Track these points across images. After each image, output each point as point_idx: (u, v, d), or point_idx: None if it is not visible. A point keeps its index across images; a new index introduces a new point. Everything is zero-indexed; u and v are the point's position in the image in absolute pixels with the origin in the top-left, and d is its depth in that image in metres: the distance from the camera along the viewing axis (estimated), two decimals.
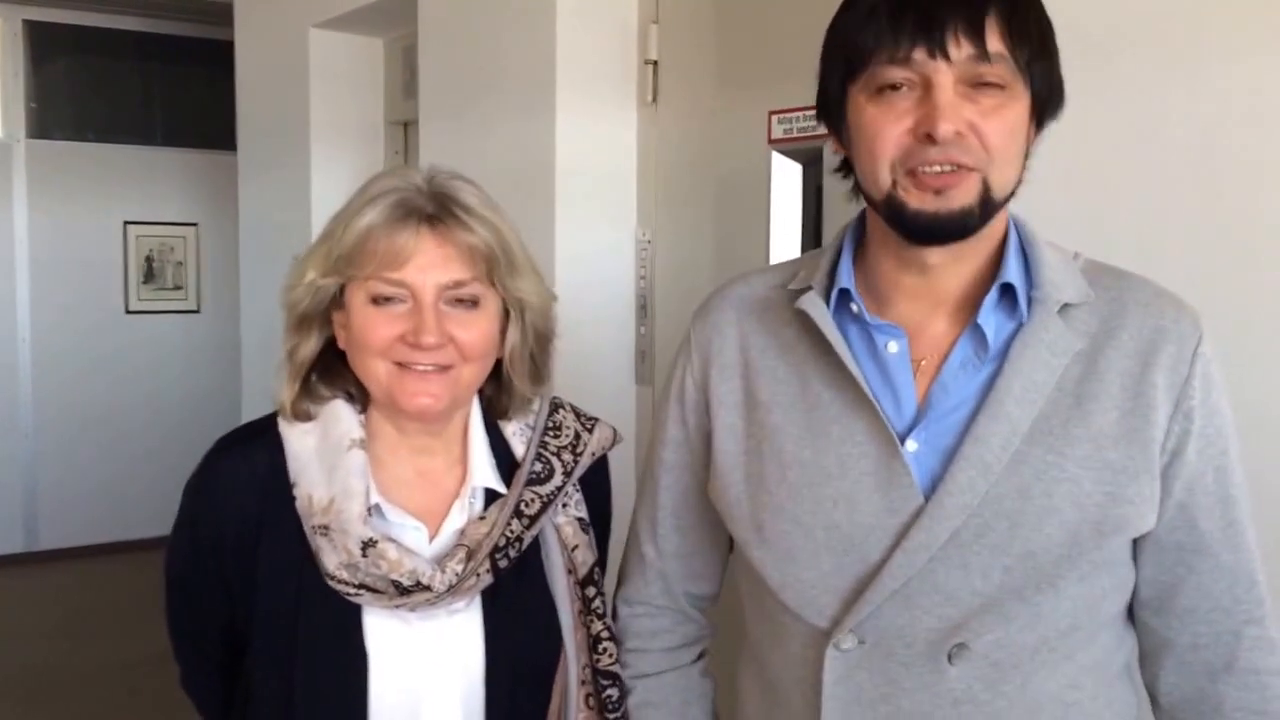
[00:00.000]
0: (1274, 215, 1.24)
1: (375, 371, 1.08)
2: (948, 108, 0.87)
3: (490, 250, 1.09)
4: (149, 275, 5.21)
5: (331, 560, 1.05)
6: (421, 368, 1.06)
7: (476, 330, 1.08)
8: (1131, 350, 0.94)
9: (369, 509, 1.07)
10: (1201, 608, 0.97)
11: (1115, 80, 1.33)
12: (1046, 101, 0.94)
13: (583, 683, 1.14)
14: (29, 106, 4.95)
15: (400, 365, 1.07)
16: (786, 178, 1.94)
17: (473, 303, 1.09)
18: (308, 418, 1.12)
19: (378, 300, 1.07)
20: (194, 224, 5.26)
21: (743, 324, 1.07)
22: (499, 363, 1.15)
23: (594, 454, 1.18)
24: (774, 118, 1.93)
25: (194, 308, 5.30)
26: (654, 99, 2.17)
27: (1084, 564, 0.92)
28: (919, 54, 0.88)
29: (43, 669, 3.81)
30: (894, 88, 0.90)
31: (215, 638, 1.16)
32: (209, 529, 1.11)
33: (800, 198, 1.94)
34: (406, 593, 1.05)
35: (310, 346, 1.12)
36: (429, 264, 1.06)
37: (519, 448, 1.16)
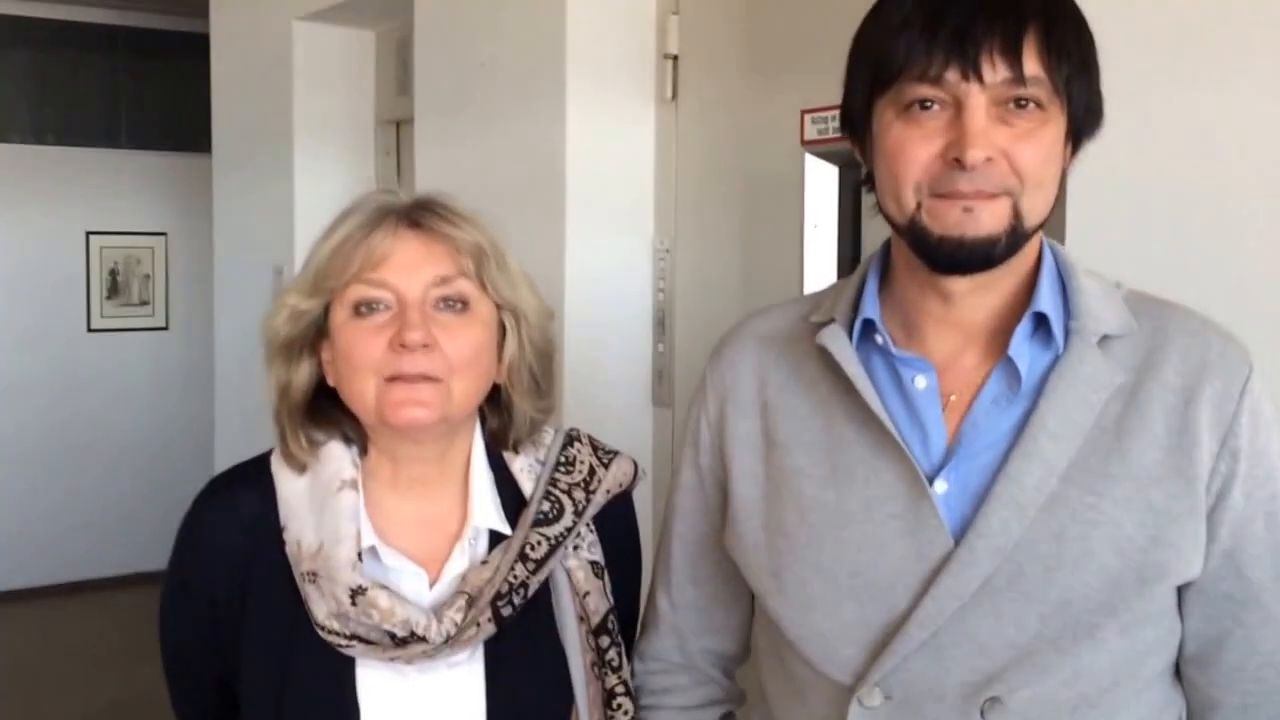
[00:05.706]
0: None
1: (364, 391, 1.09)
2: (979, 134, 0.91)
3: (477, 245, 1.12)
4: (113, 290, 5.25)
5: (321, 609, 1.08)
6: (410, 375, 1.07)
7: (467, 339, 1.10)
8: (1175, 385, 0.97)
9: (360, 553, 1.10)
10: (1250, 664, 0.99)
11: (1178, 77, 1.35)
12: (1084, 120, 0.97)
13: None
14: None
15: (389, 380, 1.08)
16: (821, 182, 1.94)
17: (462, 305, 1.11)
18: (302, 468, 1.14)
19: (360, 310, 1.09)
20: (162, 233, 5.30)
21: (761, 360, 1.10)
22: (503, 391, 1.17)
23: (609, 491, 1.19)
24: (807, 117, 1.93)
25: (162, 325, 5.33)
26: (674, 95, 2.19)
27: (1125, 614, 0.95)
28: (952, 74, 0.91)
29: None
30: (923, 105, 0.93)
31: (210, 691, 1.20)
32: (198, 580, 1.16)
33: (836, 204, 1.94)
34: (402, 644, 1.07)
35: (301, 379, 1.14)
36: (410, 262, 1.09)
37: (527, 485, 1.17)
